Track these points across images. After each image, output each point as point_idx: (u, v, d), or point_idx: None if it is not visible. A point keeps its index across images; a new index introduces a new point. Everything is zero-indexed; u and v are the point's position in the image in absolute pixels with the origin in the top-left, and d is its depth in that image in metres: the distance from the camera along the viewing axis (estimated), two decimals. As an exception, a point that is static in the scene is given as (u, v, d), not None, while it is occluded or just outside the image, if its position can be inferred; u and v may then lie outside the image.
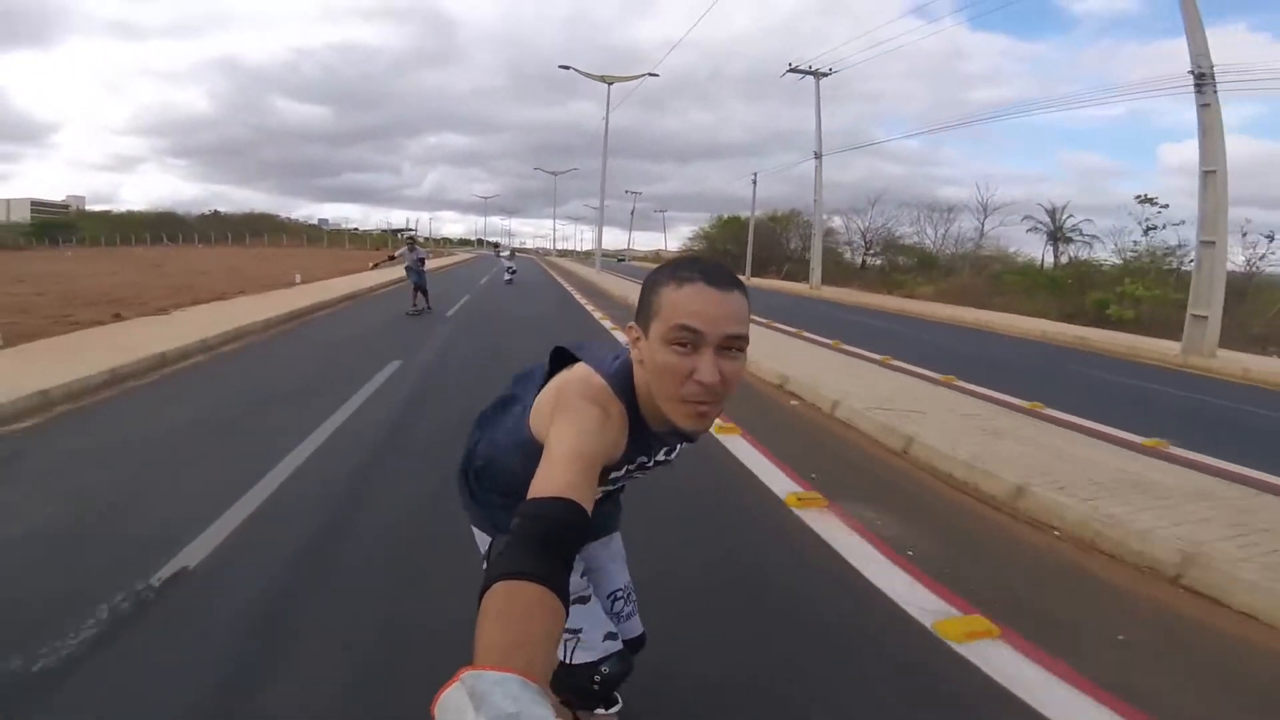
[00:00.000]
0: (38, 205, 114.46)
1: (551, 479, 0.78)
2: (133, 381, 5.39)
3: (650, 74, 29.48)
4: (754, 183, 37.42)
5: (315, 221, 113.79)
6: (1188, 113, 11.44)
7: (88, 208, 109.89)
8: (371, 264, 14.81)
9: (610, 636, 1.26)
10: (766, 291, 24.90)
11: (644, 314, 0.93)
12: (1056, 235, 26.50)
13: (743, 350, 0.90)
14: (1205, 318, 11.28)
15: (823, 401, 5.56)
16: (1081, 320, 17.73)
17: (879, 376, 6.99)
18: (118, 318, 8.49)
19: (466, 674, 0.52)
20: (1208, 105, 11.08)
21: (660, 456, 1.14)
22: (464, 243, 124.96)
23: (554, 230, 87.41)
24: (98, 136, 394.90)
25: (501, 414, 1.23)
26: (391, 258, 12.21)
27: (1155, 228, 20.79)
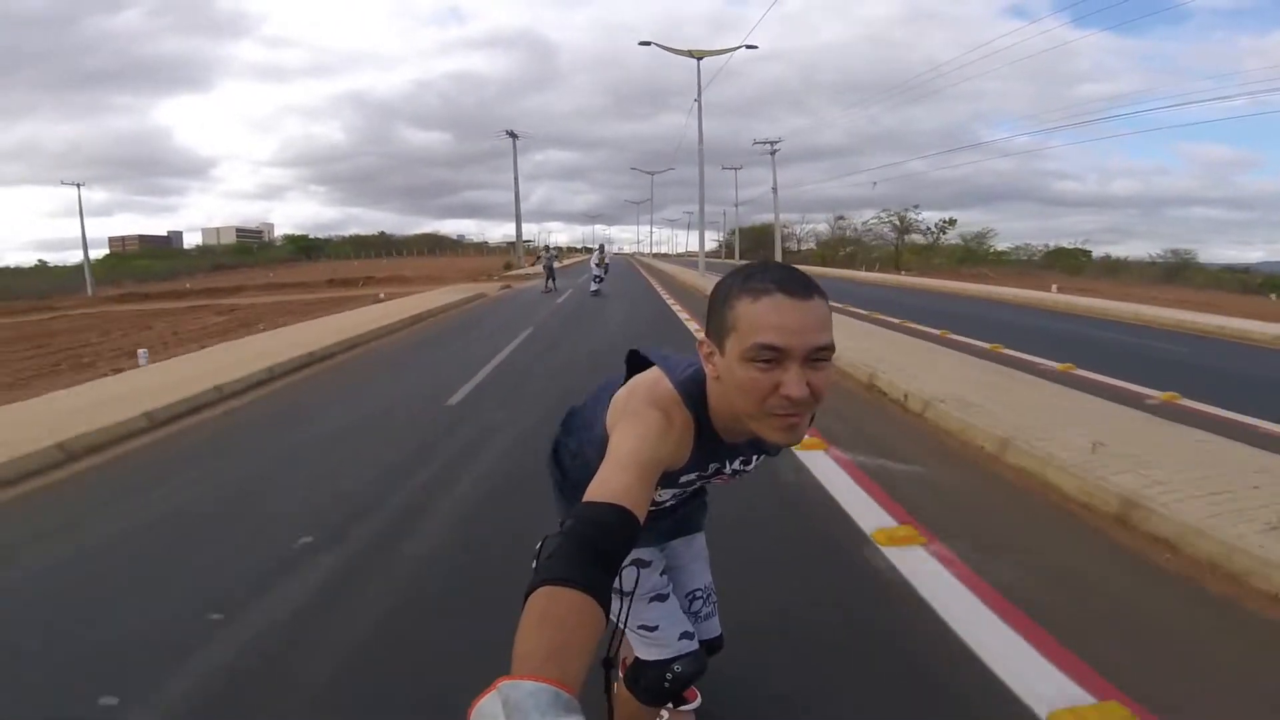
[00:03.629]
0: (241, 231, 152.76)
1: (606, 483, 0.81)
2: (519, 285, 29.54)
3: (750, 46, 25.21)
4: (774, 190, 58.69)
5: (455, 237, 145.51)
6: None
7: (278, 232, 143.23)
8: (530, 263, 32.64)
9: (686, 636, 1.30)
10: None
11: (717, 329, 0.89)
12: (901, 229, 49.70)
13: (829, 359, 0.86)
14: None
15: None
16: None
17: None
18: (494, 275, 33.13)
19: (503, 684, 0.55)
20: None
21: (737, 466, 1.15)
22: (572, 249, 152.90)
23: (650, 236, 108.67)
24: (250, 169, 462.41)
25: (587, 413, 1.27)
26: (537, 258, 24.24)
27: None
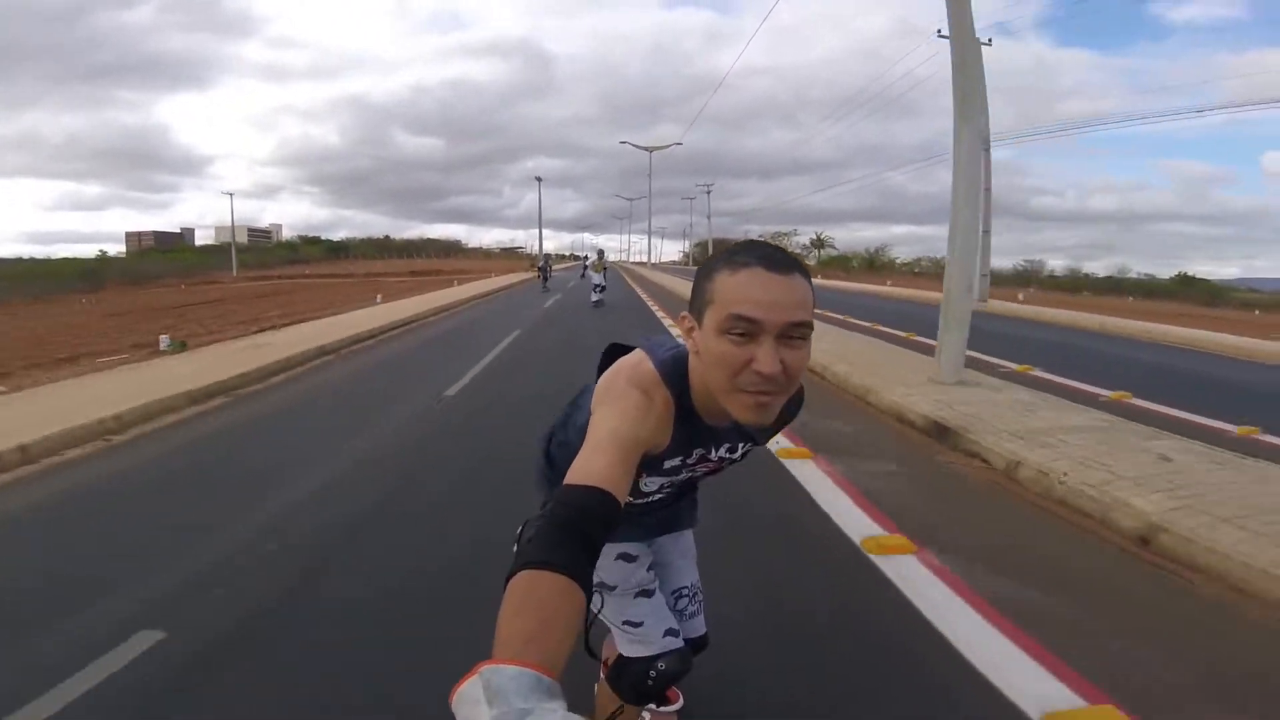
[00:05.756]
0: (253, 231, 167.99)
1: (588, 464, 0.83)
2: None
3: (676, 144, 54.76)
4: (708, 218, 77.40)
5: (452, 242, 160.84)
6: None
7: (284, 236, 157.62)
8: (534, 270, 49.17)
9: (671, 633, 1.32)
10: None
11: (697, 302, 0.93)
12: (818, 245, 69.76)
13: (806, 338, 0.89)
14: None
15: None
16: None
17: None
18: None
19: (485, 668, 0.57)
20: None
21: (723, 453, 1.16)
22: (561, 257, 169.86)
23: (630, 247, 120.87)
24: (246, 167, 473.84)
25: (577, 404, 1.31)
26: (539, 266, 29.90)
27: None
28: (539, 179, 54.02)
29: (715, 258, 0.93)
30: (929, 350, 7.98)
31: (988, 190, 20.25)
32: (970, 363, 7.33)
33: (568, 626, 0.66)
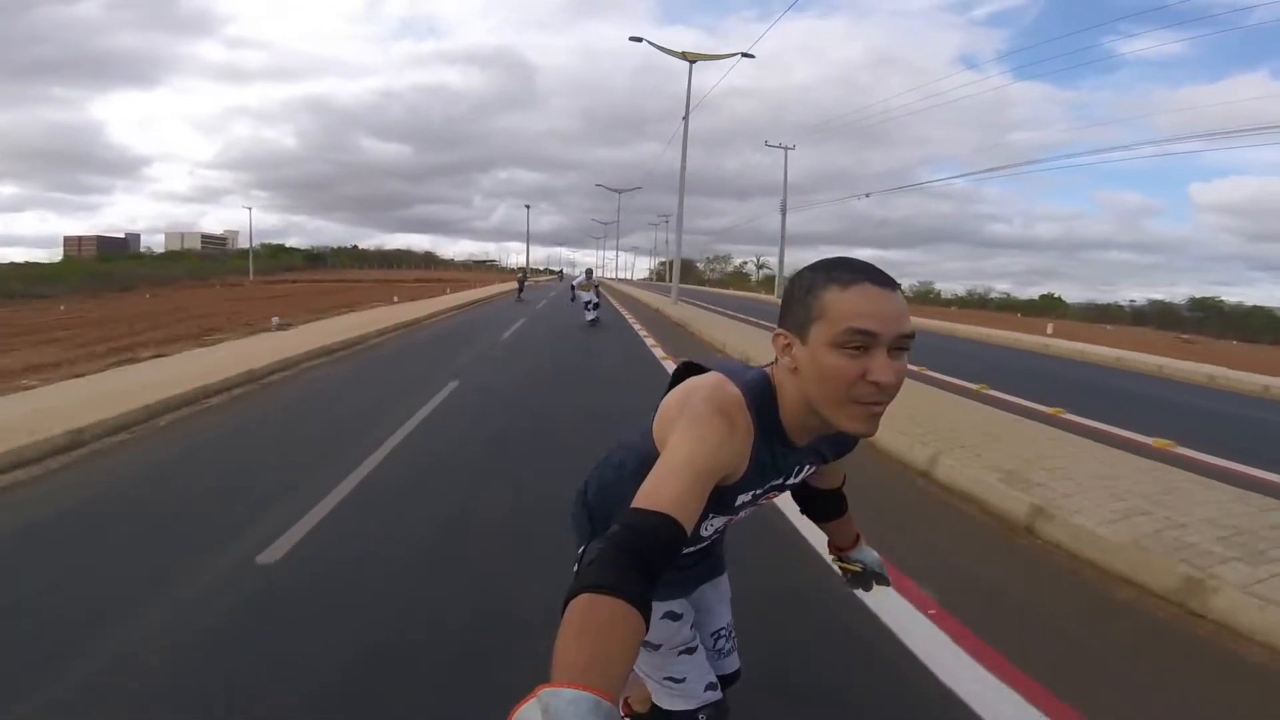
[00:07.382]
0: (207, 238, 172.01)
1: (659, 489, 0.82)
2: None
3: (636, 188, 62.50)
4: (678, 243, 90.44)
5: (420, 253, 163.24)
6: (1216, 155, 53.56)
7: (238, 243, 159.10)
8: (516, 281, 57.20)
9: (711, 687, 1.35)
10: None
11: (800, 318, 0.94)
12: (758, 266, 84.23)
13: (909, 348, 0.92)
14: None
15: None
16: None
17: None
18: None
19: (544, 691, 0.58)
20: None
21: (791, 479, 1.16)
22: (536, 271, 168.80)
23: (605, 262, 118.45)
24: (187, 170, 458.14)
25: (615, 456, 1.28)
26: (519, 280, 32.07)
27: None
28: (528, 206, 65.52)
29: (811, 274, 0.94)
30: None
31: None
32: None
33: (626, 652, 0.67)
